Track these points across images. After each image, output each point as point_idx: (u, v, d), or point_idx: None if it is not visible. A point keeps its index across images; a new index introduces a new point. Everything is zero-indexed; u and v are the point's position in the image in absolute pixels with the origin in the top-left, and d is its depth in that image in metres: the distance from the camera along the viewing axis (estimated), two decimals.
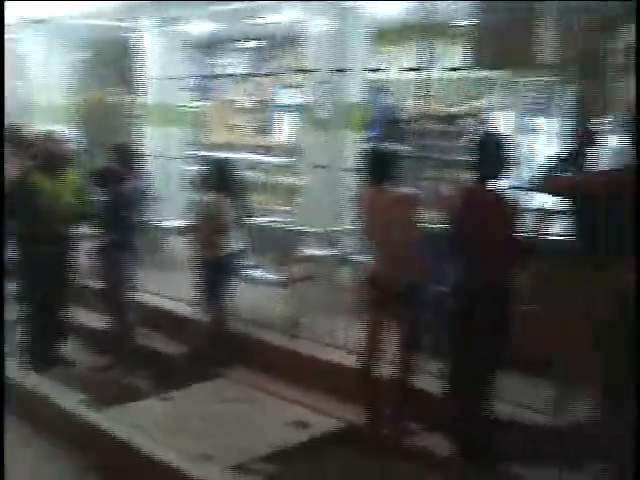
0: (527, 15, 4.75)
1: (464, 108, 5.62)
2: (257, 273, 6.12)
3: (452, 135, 5.62)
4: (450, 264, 4.50)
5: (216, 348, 5.69)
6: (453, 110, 5.66)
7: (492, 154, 4.24)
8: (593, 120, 4.15)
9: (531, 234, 4.18)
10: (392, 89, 6.05)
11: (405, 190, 4.66)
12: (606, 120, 4.41)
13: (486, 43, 4.98)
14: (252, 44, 9.08)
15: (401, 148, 5.45)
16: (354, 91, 6.25)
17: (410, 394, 4.67)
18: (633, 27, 4.88)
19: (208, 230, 5.74)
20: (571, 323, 4.14)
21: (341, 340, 5.43)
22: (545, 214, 4.21)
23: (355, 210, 4.86)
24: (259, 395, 5.27)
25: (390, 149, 4.90)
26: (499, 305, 4.18)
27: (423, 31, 5.36)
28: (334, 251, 6.19)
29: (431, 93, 5.45)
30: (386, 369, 4.68)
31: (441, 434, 4.39)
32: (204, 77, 9.36)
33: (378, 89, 6.41)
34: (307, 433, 4.75)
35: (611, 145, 4.74)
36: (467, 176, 4.57)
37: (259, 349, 5.70)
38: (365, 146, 5.89)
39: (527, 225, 4.28)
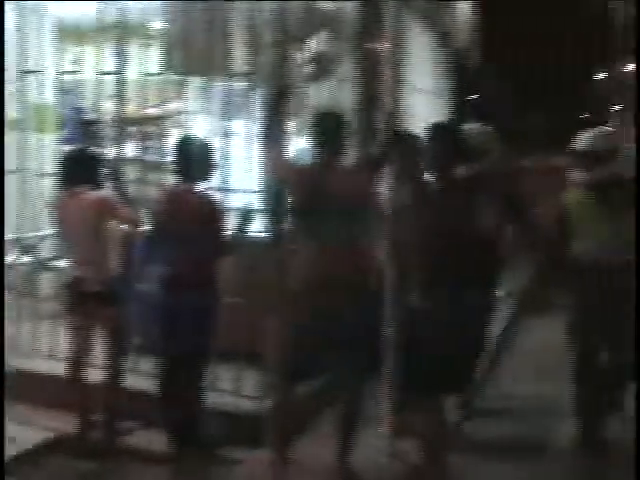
0: (220, 21, 4.97)
1: (161, 111, 5.71)
2: None
3: (151, 137, 5.69)
4: (156, 264, 4.62)
5: None
6: (150, 112, 5.73)
7: (193, 156, 4.41)
8: (283, 123, 4.48)
9: (234, 232, 4.42)
10: (86, 90, 5.95)
11: (103, 192, 4.68)
12: (292, 123, 4.78)
13: (182, 47, 5.13)
14: None
15: (98, 151, 5.42)
16: (45, 92, 6.05)
17: (122, 395, 4.70)
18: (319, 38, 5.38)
19: None
20: (272, 313, 4.48)
21: (45, 348, 5.28)
22: (247, 213, 4.47)
23: (51, 215, 4.78)
24: None
25: (86, 152, 4.88)
26: (206, 300, 4.36)
27: (118, 32, 5.37)
28: (31, 257, 5.96)
29: (128, 95, 5.48)
30: (95, 373, 4.67)
31: (157, 430, 4.49)
32: None
33: (72, 90, 6.28)
34: (16, 448, 4.57)
35: (299, 146, 5.15)
36: (170, 178, 4.71)
37: None
38: (59, 149, 5.75)
39: (230, 223, 4.52)
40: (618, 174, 4.57)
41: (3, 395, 4.19)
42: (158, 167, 5.36)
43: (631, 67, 16.24)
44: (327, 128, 4.18)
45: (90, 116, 5.95)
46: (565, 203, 4.68)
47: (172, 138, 4.86)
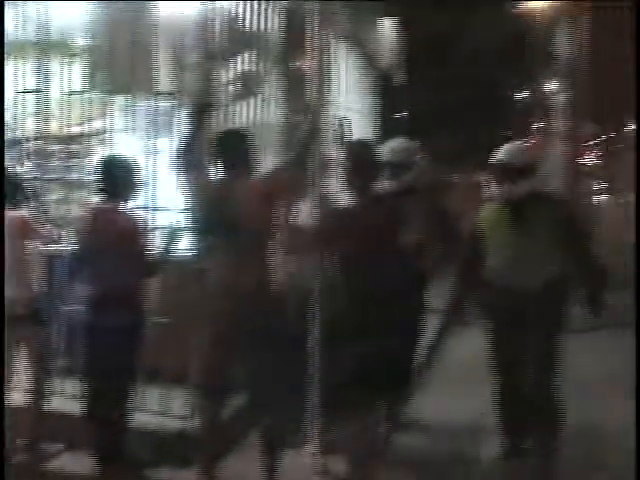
0: (146, 42, 4.98)
1: (86, 129, 5.63)
2: None
3: (76, 156, 5.60)
4: (80, 284, 4.59)
5: None
6: (74, 131, 5.64)
7: (118, 175, 4.39)
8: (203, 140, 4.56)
9: (160, 251, 4.42)
10: (7, 108, 5.84)
11: (21, 212, 4.63)
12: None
13: (107, 66, 5.12)
14: None
15: (18, 170, 5.35)
16: None
17: (47, 417, 4.63)
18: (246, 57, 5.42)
19: None
20: (203, 331, 4.49)
21: None
22: (173, 231, 4.48)
23: None
24: None
25: (6, 171, 4.81)
26: (132, 320, 4.33)
27: (39, 48, 5.33)
28: None
29: (51, 112, 5.41)
30: (19, 395, 4.59)
31: (83, 452, 4.43)
32: None
33: None
34: None
35: None
36: (94, 197, 4.68)
37: None
38: None
39: (157, 242, 4.52)
40: (536, 189, 4.62)
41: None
42: (82, 186, 5.30)
43: (552, 85, 16.78)
44: (230, 147, 4.30)
45: (13, 134, 5.80)
46: (482, 218, 4.69)
47: (96, 156, 4.81)
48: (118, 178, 4.39)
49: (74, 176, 5.46)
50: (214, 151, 4.36)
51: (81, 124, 5.69)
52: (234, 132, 4.67)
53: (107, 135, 5.28)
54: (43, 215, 4.67)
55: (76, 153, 5.52)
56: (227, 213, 4.07)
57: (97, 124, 5.58)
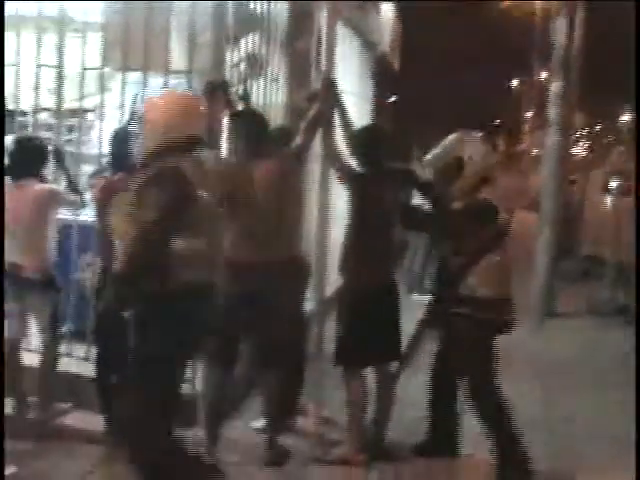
0: (163, 20, 5.11)
1: (93, 103, 5.75)
2: None
3: (83, 129, 5.70)
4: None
5: None
6: (81, 105, 5.72)
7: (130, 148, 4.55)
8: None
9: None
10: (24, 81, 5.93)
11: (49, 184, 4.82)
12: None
13: (118, 43, 5.24)
14: None
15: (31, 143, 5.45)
16: None
17: (57, 377, 4.82)
18: (253, 39, 5.55)
19: None
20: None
21: None
22: None
23: None
24: None
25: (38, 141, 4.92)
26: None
27: (54, 25, 5.44)
28: None
29: (61, 87, 5.53)
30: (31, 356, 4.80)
31: (93, 411, 4.64)
32: None
33: None
34: None
35: None
36: (104, 169, 4.83)
37: None
38: None
39: None
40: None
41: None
42: (92, 159, 5.47)
43: (544, 75, 16.92)
44: (248, 126, 4.47)
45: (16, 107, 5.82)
46: None
47: (111, 131, 4.94)
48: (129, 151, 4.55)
49: (81, 150, 5.62)
50: (232, 130, 4.52)
51: (91, 98, 5.81)
52: (252, 112, 4.78)
53: (118, 110, 5.41)
54: (71, 184, 4.84)
55: (88, 127, 5.65)
56: (242, 192, 4.25)
57: (111, 99, 5.70)
